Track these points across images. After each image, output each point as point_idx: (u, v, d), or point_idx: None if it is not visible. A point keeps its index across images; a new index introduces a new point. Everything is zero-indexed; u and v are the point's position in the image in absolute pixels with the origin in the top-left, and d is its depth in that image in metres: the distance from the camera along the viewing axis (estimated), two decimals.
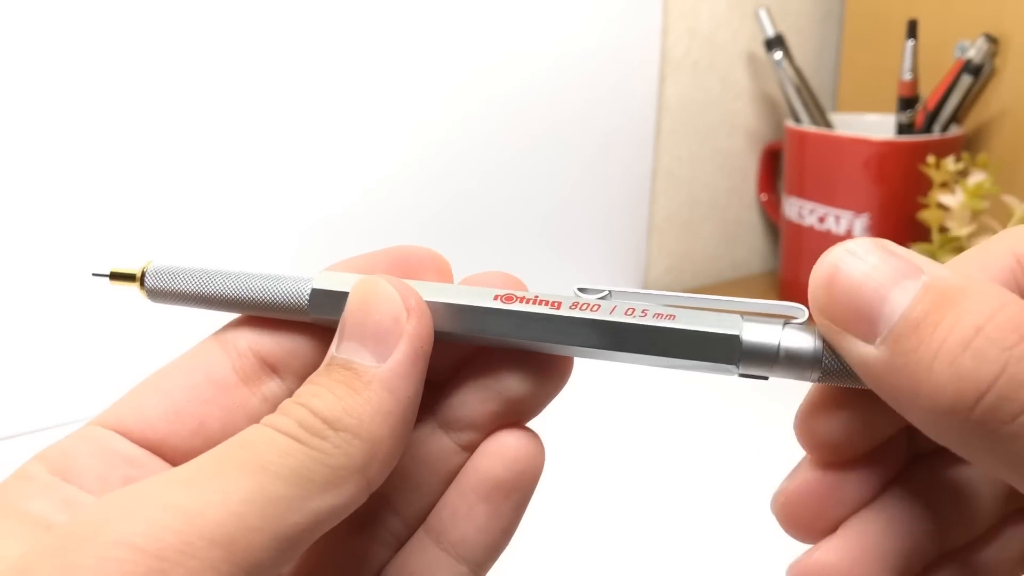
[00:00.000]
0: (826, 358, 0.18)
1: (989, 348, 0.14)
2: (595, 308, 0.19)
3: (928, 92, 0.65)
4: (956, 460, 0.20)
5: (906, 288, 0.15)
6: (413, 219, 0.60)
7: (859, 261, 0.16)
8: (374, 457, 0.17)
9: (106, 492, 0.18)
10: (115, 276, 0.22)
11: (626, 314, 0.19)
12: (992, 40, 0.63)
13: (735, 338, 0.18)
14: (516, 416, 0.21)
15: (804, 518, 0.20)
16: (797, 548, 0.21)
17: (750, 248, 0.82)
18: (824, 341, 0.18)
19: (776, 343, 0.18)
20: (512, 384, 0.20)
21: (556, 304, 0.19)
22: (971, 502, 0.20)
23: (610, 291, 0.20)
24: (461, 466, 0.21)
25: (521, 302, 0.20)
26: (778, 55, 0.68)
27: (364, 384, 0.18)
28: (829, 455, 0.20)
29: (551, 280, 0.67)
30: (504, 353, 0.20)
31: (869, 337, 0.16)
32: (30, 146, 0.47)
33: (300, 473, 0.16)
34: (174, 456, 0.20)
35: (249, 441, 0.17)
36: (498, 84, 0.61)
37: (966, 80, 0.63)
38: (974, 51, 0.63)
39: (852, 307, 0.16)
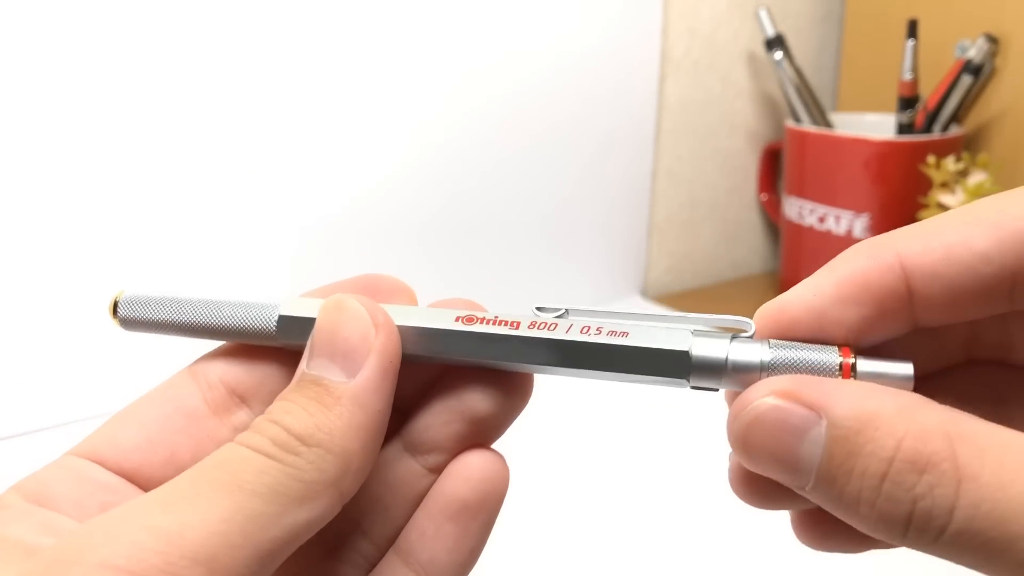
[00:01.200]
0: (772, 371, 0.18)
1: (896, 491, 0.16)
2: (552, 327, 0.20)
3: (928, 92, 0.65)
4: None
5: (812, 440, 0.17)
6: (413, 219, 0.60)
7: (762, 427, 0.17)
8: (347, 470, 0.18)
9: (84, 517, 0.19)
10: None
11: (581, 332, 0.20)
12: (992, 40, 0.63)
13: (685, 354, 0.19)
14: (481, 437, 0.21)
15: (757, 489, 0.20)
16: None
17: (750, 248, 0.82)
18: (771, 352, 0.19)
19: (724, 357, 0.19)
20: (475, 403, 0.21)
21: (515, 324, 0.20)
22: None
23: (567, 310, 0.21)
24: (428, 488, 0.21)
25: (481, 323, 0.20)
26: (778, 55, 0.68)
27: (335, 400, 0.18)
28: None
29: (551, 280, 0.67)
30: (466, 374, 0.21)
31: (797, 487, 0.17)
32: (28, 144, 0.47)
33: (276, 490, 0.17)
34: (148, 484, 0.20)
35: (224, 461, 0.17)
36: (498, 84, 0.61)
37: (966, 80, 0.63)
38: (974, 51, 0.63)
39: (772, 470, 0.17)
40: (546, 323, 0.20)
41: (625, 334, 0.20)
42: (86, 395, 0.51)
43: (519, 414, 0.22)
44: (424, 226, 0.61)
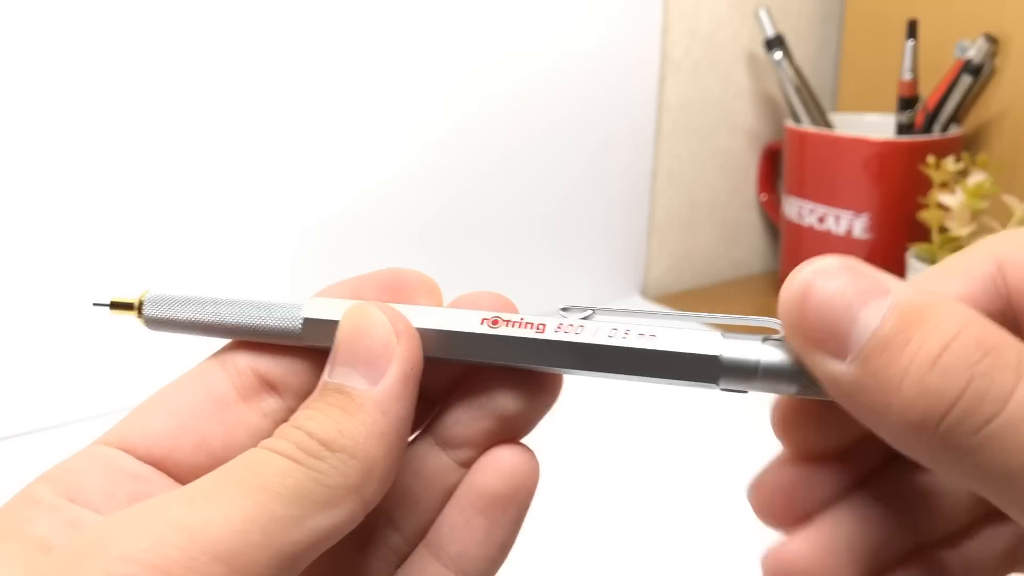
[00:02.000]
0: (805, 373, 0.18)
1: (955, 364, 0.15)
2: (579, 330, 0.20)
3: (928, 92, 0.65)
4: None
5: (875, 307, 0.16)
6: (413, 219, 0.60)
7: (829, 281, 0.16)
8: (370, 477, 0.18)
9: (113, 509, 0.19)
10: (115, 305, 0.22)
11: (608, 336, 0.19)
12: (992, 40, 0.63)
13: (715, 358, 0.18)
14: (510, 433, 0.21)
15: (777, 508, 0.20)
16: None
17: (750, 248, 0.82)
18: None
19: (756, 359, 0.18)
20: (504, 402, 0.21)
21: (541, 327, 0.20)
22: (945, 499, 0.20)
23: (593, 310, 0.20)
24: (459, 482, 0.21)
25: (507, 325, 0.20)
26: (778, 55, 0.68)
27: (357, 407, 0.18)
28: (804, 450, 0.20)
29: (551, 280, 0.67)
30: (496, 372, 0.21)
31: (841, 355, 0.16)
32: (29, 144, 0.47)
33: (299, 493, 0.17)
34: (178, 471, 0.20)
35: (249, 463, 0.17)
36: (498, 84, 0.61)
37: (966, 80, 0.63)
38: (974, 51, 0.63)
39: (824, 326, 0.16)
40: (572, 325, 0.20)
41: (653, 336, 0.19)
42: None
43: (548, 411, 0.22)
44: (424, 226, 0.61)
